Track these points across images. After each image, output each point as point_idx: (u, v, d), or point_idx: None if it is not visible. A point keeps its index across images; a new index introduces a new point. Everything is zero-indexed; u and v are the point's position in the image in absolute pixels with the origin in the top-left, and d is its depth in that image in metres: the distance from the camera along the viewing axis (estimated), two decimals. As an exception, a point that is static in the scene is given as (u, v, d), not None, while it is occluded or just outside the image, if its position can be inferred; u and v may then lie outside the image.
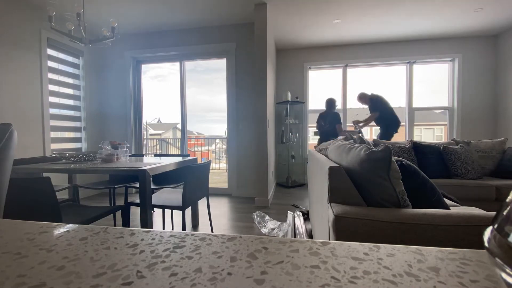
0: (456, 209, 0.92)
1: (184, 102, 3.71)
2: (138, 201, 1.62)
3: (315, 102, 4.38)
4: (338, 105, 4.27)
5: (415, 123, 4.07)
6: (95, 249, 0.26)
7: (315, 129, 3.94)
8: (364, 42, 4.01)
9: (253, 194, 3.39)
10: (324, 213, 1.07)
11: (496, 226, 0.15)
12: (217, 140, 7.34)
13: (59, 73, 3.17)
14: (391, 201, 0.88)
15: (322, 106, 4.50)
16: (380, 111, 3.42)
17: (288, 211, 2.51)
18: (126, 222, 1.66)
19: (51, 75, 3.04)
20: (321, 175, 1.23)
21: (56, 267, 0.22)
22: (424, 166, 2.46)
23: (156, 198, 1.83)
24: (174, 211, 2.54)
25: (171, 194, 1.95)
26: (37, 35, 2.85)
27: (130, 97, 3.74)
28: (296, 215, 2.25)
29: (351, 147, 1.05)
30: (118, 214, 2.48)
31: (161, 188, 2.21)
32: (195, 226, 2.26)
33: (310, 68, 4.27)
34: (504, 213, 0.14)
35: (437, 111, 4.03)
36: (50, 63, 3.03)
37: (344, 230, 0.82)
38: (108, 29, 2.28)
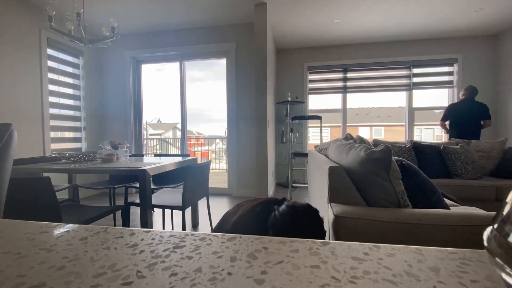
0: (456, 209, 0.92)
1: (184, 102, 3.71)
2: (138, 201, 1.62)
3: (315, 102, 4.38)
4: (338, 105, 4.27)
5: (415, 123, 4.06)
6: (95, 249, 0.26)
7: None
8: (364, 42, 4.00)
9: (253, 194, 3.38)
10: (324, 213, 1.07)
11: (496, 226, 0.15)
12: (217, 140, 7.34)
13: (59, 73, 3.16)
14: (391, 201, 0.88)
15: (322, 106, 4.48)
16: None
17: None
18: (126, 222, 1.66)
19: (51, 75, 3.04)
20: (321, 175, 1.23)
21: (56, 267, 0.22)
22: (424, 166, 2.46)
23: (156, 198, 1.83)
24: (174, 211, 2.54)
25: (171, 194, 1.95)
26: (37, 35, 2.85)
27: (130, 97, 3.74)
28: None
29: (351, 147, 1.05)
30: (118, 214, 2.47)
31: (161, 188, 2.21)
32: (195, 226, 2.26)
33: (310, 72, 4.26)
34: (504, 213, 0.14)
35: (437, 111, 4.03)
36: (50, 63, 3.03)
37: (344, 230, 0.82)
38: (108, 29, 2.27)
